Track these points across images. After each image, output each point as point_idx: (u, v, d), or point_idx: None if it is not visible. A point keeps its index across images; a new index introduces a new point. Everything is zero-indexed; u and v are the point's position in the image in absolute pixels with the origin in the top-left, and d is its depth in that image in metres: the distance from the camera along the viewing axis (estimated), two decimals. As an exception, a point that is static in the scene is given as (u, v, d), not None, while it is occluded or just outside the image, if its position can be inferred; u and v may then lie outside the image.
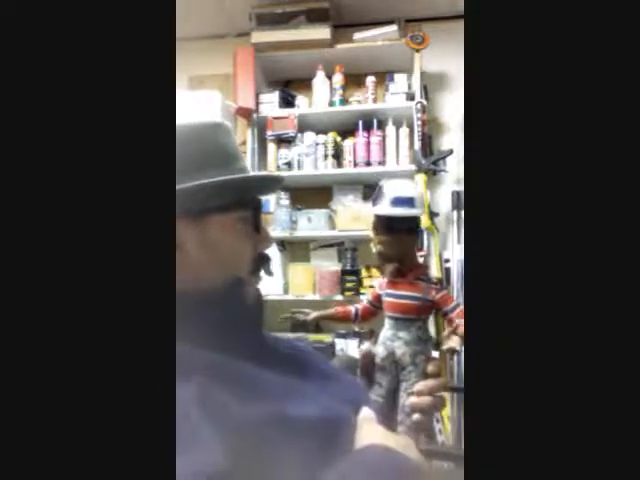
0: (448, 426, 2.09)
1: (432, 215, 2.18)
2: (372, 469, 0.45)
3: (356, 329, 2.25)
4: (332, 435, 0.50)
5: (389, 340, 0.58)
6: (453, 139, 2.38)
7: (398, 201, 0.56)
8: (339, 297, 2.20)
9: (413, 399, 0.56)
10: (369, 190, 2.23)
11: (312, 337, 2.25)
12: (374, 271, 2.23)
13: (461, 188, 2.30)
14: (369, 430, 0.52)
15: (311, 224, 2.28)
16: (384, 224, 0.57)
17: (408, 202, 0.56)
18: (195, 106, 2.22)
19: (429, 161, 2.13)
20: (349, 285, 2.24)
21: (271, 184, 0.67)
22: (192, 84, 2.61)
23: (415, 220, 0.56)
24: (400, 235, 0.57)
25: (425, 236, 2.13)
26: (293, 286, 2.28)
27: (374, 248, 0.58)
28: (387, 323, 0.59)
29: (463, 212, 2.27)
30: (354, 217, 2.19)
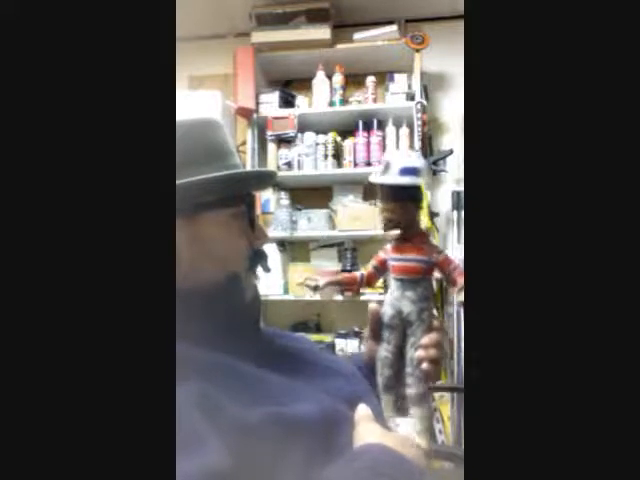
0: (448, 426, 2.10)
1: (432, 215, 2.18)
2: (370, 468, 0.45)
3: (356, 329, 2.25)
4: (331, 434, 0.50)
5: (396, 300, 0.62)
6: (453, 139, 2.38)
7: (404, 171, 0.62)
8: (339, 297, 2.20)
9: (421, 351, 0.59)
10: (369, 189, 2.23)
11: (312, 337, 2.26)
12: (374, 271, 2.23)
13: (461, 188, 2.30)
14: (366, 429, 0.51)
15: (311, 224, 2.27)
16: (390, 192, 0.63)
17: (413, 172, 0.62)
18: (195, 106, 2.22)
19: (429, 161, 2.13)
20: (349, 285, 2.23)
21: (264, 179, 0.67)
22: (192, 84, 2.61)
23: (419, 189, 0.62)
24: (405, 202, 0.63)
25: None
26: (293, 286, 2.28)
27: (380, 216, 0.64)
28: (393, 285, 0.64)
29: (463, 212, 2.27)
30: (354, 217, 2.19)
